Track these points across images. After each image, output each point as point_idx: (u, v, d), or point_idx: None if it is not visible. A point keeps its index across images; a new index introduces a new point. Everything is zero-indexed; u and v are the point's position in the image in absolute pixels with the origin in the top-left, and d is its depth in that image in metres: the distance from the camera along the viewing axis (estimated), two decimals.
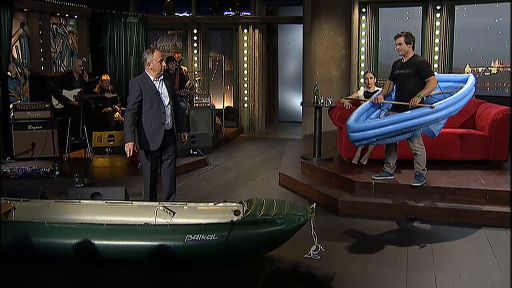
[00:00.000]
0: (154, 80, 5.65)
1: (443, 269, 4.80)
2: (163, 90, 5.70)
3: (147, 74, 5.67)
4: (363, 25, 10.83)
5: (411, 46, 6.24)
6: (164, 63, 5.73)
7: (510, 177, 6.61)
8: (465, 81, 6.45)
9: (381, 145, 7.40)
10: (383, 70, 10.83)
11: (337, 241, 5.59)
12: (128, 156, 5.74)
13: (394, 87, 6.56)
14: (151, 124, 5.66)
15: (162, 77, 5.73)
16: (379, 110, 6.67)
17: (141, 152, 5.81)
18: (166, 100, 5.72)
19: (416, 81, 6.20)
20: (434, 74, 6.28)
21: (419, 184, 6.39)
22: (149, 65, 5.62)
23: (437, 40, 10.36)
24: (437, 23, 10.31)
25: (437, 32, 10.32)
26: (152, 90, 5.62)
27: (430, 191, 6.49)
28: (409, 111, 5.98)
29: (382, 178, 6.65)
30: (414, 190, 6.54)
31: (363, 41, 10.88)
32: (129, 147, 5.58)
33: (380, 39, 10.86)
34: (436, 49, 10.37)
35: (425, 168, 6.41)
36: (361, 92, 8.00)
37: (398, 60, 6.50)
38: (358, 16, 10.77)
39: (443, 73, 10.31)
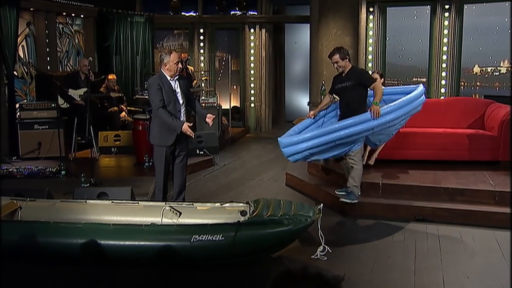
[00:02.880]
0: (170, 79, 5.85)
1: (451, 270, 4.78)
2: (178, 89, 5.90)
3: (163, 73, 5.86)
4: (371, 25, 10.81)
5: (347, 60, 6.09)
6: (180, 65, 5.90)
7: (510, 177, 6.58)
8: (413, 90, 6.15)
9: (389, 144, 7.41)
10: (390, 70, 10.82)
11: (344, 242, 5.59)
12: (193, 136, 5.93)
13: (338, 102, 6.35)
14: None
15: (177, 76, 5.91)
16: (322, 125, 6.39)
17: (156, 147, 5.98)
18: (181, 99, 5.92)
19: (358, 91, 6.07)
20: (375, 79, 6.15)
21: (349, 201, 6.11)
22: (165, 65, 5.82)
23: (445, 40, 10.31)
24: (446, 23, 10.27)
25: (446, 31, 10.28)
26: (170, 89, 5.83)
27: (438, 192, 6.47)
28: (340, 122, 5.71)
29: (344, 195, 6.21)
30: (422, 190, 6.52)
31: (370, 40, 10.85)
32: (186, 128, 5.71)
33: (387, 38, 10.83)
34: (445, 48, 10.32)
35: (359, 186, 6.17)
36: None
37: (338, 74, 6.29)
38: (365, 15, 10.74)
39: (451, 73, 10.30)
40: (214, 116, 6.07)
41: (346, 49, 6.15)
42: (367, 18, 10.77)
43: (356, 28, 10.95)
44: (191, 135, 5.82)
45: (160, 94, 5.76)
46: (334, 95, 6.43)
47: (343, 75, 6.17)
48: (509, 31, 9.73)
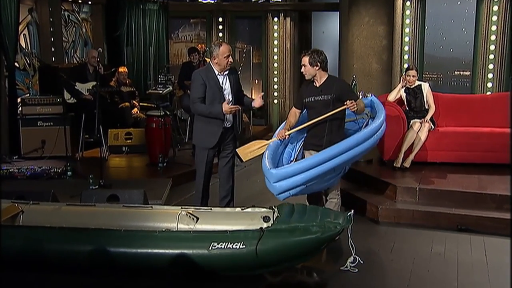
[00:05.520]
0: (218, 74, 5.82)
1: None
2: (226, 86, 5.87)
3: (211, 67, 5.84)
4: (408, 12, 10.72)
5: (318, 68, 5.58)
6: (230, 59, 5.79)
7: (510, 178, 6.47)
8: (368, 105, 6.19)
9: (427, 145, 7.35)
10: (429, 63, 10.73)
11: (377, 253, 5.57)
12: (234, 110, 5.76)
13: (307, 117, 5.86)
14: (210, 120, 5.83)
15: (227, 72, 5.86)
16: (292, 146, 6.16)
17: (197, 149, 6.10)
18: (228, 96, 5.87)
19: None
20: (358, 97, 5.83)
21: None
22: (214, 59, 5.79)
23: (493, 28, 10.14)
24: (495, 8, 10.08)
25: (494, 18, 10.11)
26: (216, 85, 5.80)
27: (484, 198, 6.40)
28: (340, 142, 5.35)
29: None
30: (465, 197, 6.45)
31: (407, 30, 10.76)
32: (227, 109, 5.66)
33: (426, 27, 10.73)
34: (493, 38, 10.15)
35: None
36: (402, 89, 7.93)
37: (308, 83, 5.77)
38: (401, 2, 10.66)
39: (500, 66, 10.15)
40: (259, 96, 6.04)
41: (323, 55, 5.67)
42: (403, 4, 10.69)
43: (391, 16, 10.89)
44: (236, 109, 5.74)
45: (201, 90, 5.75)
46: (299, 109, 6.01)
47: (317, 85, 5.67)
48: None
